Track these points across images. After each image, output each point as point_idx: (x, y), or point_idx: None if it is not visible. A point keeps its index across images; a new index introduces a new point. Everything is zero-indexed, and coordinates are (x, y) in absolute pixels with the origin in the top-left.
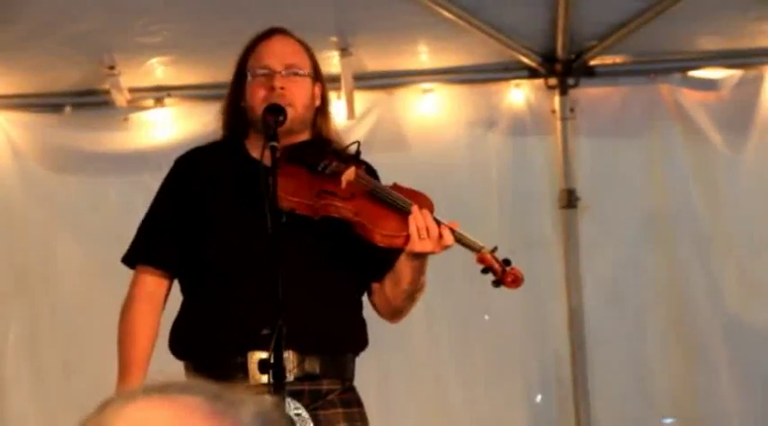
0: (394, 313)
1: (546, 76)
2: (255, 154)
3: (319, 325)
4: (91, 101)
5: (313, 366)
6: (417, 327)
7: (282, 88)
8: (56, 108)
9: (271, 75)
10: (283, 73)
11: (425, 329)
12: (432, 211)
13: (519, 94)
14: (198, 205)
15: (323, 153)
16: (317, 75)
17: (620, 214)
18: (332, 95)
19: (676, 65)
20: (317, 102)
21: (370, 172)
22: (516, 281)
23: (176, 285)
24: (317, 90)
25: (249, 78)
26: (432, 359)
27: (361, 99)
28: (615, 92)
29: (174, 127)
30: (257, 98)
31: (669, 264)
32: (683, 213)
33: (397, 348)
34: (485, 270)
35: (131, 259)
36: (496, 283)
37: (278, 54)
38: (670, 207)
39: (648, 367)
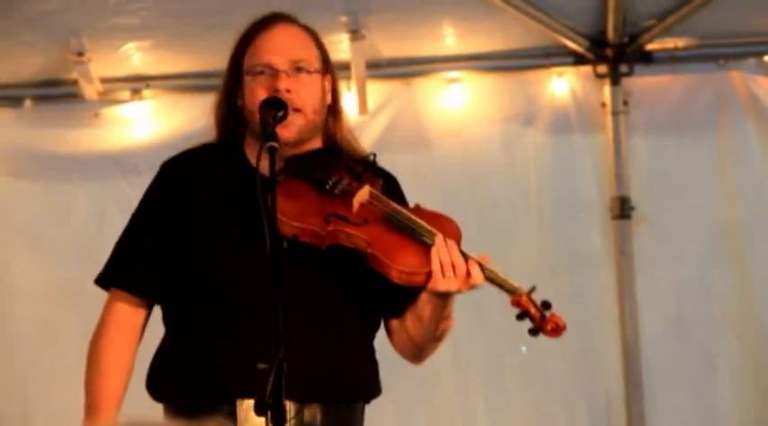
0: (417, 354)
1: (594, 63)
2: (254, 160)
3: (322, 370)
4: (55, 93)
5: (313, 416)
6: (442, 363)
7: (288, 91)
8: (13, 101)
9: (273, 73)
10: (288, 71)
11: (452, 365)
12: (459, 241)
13: (562, 84)
14: (186, 222)
15: (332, 167)
16: (326, 67)
17: (682, 225)
18: (341, 86)
19: (750, 49)
20: (328, 99)
21: (390, 187)
22: (557, 330)
23: (157, 312)
24: (328, 84)
25: (249, 77)
26: (460, 401)
27: (376, 90)
28: (677, 81)
29: (153, 123)
30: (257, 101)
31: (741, 285)
32: (759, 224)
33: (418, 391)
34: (520, 316)
35: (105, 280)
36: (534, 331)
37: (281, 49)
38: (742, 217)
39: (717, 408)
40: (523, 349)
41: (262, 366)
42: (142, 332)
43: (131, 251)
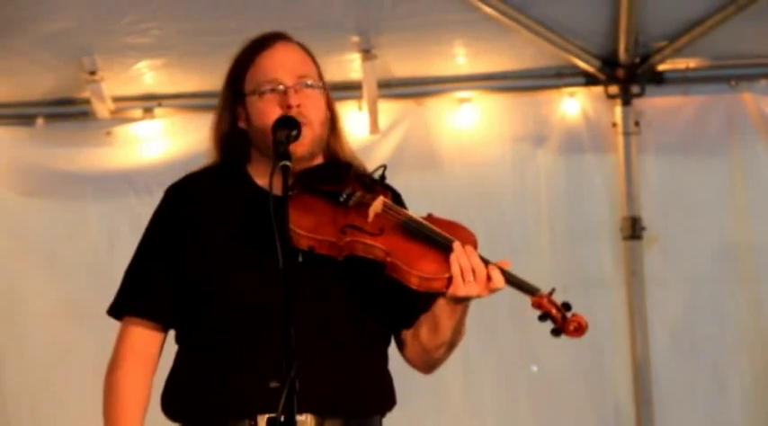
0: (430, 364)
1: (606, 84)
2: (261, 182)
3: (342, 383)
4: (68, 111)
5: None
6: (453, 381)
7: (299, 106)
8: (26, 120)
9: (282, 90)
10: (296, 87)
11: (462, 383)
12: (476, 247)
13: (573, 105)
14: (197, 244)
15: (344, 180)
16: (323, 82)
17: (693, 246)
18: (353, 106)
19: (762, 70)
20: (328, 114)
21: (396, 200)
22: (580, 330)
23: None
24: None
25: (254, 97)
26: (470, 418)
27: (387, 110)
28: (688, 102)
29: (165, 142)
30: (268, 117)
31: (754, 306)
32: None
33: (429, 405)
34: (542, 317)
35: (118, 310)
36: (556, 332)
37: (286, 65)
38: (753, 238)
39: None
40: (534, 368)
41: (274, 384)
42: (158, 359)
43: (144, 277)
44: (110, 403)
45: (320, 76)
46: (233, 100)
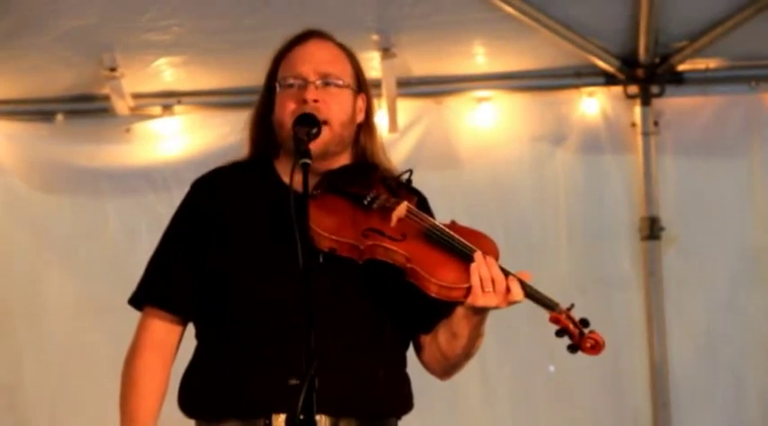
0: (448, 370)
1: (625, 83)
2: (287, 179)
3: (357, 385)
4: (87, 108)
5: None
6: (470, 381)
7: (316, 101)
8: (46, 116)
9: (303, 85)
10: (318, 83)
11: (480, 384)
12: (497, 258)
13: (593, 104)
14: (220, 239)
15: (369, 182)
16: (360, 86)
17: (713, 247)
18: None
19: None
20: (360, 117)
21: (422, 205)
22: (596, 348)
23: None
24: (361, 103)
25: (279, 90)
26: (487, 420)
27: (406, 108)
28: (708, 102)
29: (184, 139)
30: (286, 112)
31: None
32: None
33: (446, 408)
34: (559, 332)
35: (139, 299)
36: (573, 348)
37: (312, 60)
38: None
39: None
40: (551, 368)
41: (293, 381)
42: (176, 351)
43: (166, 269)
44: (126, 391)
45: (359, 80)
46: (268, 94)
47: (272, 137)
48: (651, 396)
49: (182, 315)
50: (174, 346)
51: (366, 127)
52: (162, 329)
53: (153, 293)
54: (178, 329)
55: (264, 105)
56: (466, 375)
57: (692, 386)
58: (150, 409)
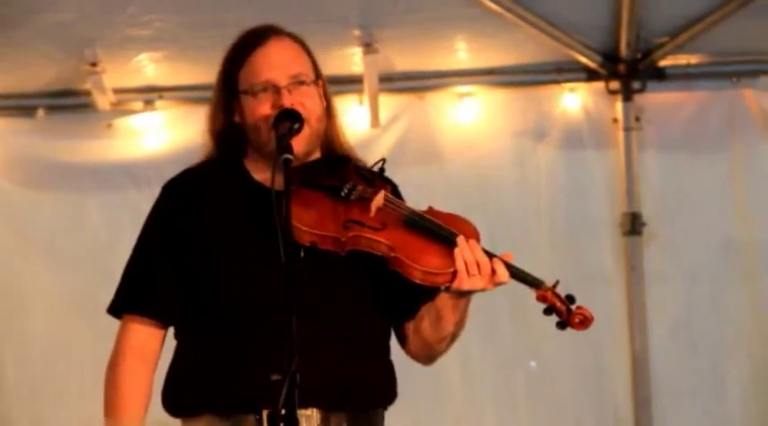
0: (432, 356)
1: (607, 79)
2: (258, 176)
3: (347, 378)
4: (69, 103)
5: (339, 424)
6: (452, 376)
7: (293, 105)
8: (27, 111)
9: (275, 90)
10: (289, 87)
11: (461, 378)
12: (479, 240)
13: (574, 100)
14: (196, 240)
15: (344, 174)
16: (317, 74)
17: (694, 242)
18: (353, 100)
19: (763, 67)
20: (324, 105)
21: (395, 192)
22: (585, 322)
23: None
24: (321, 89)
25: (248, 96)
26: (469, 415)
27: (388, 104)
28: (689, 98)
29: (166, 134)
30: (260, 117)
31: (754, 303)
32: None
33: (428, 405)
34: (547, 310)
35: (117, 308)
36: (561, 325)
37: (279, 64)
38: (755, 234)
39: (727, 424)
40: (532, 364)
41: (275, 377)
42: (159, 355)
43: (143, 275)
44: (110, 398)
45: (315, 68)
46: (227, 95)
47: (238, 136)
48: (632, 391)
49: (161, 320)
50: (156, 351)
51: (328, 113)
52: (143, 335)
53: (131, 301)
54: (159, 334)
55: (225, 105)
56: (448, 368)
57: (673, 381)
58: (135, 415)
